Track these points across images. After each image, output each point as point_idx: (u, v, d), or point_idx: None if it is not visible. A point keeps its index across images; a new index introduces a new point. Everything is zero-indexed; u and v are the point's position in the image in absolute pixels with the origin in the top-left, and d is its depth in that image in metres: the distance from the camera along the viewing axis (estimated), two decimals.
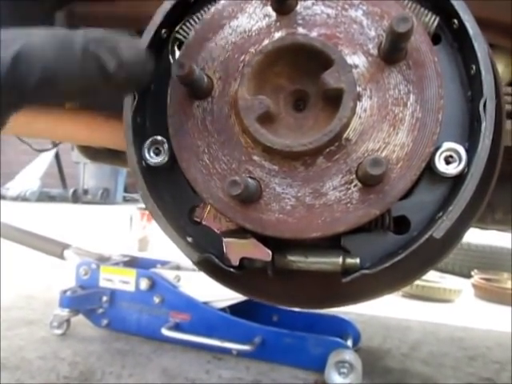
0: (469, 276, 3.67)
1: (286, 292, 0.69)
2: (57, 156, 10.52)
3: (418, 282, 3.16)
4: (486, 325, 2.51)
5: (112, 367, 1.57)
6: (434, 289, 3.18)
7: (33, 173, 10.50)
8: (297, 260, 0.60)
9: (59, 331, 1.82)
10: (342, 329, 1.84)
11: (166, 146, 0.63)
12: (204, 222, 0.62)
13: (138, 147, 0.63)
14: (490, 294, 3.34)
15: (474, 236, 3.71)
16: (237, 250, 0.60)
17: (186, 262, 1.95)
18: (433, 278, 3.34)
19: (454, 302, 3.18)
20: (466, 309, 3.01)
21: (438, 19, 0.58)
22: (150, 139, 0.64)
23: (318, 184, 0.54)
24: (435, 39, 0.59)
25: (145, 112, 0.66)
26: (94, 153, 1.70)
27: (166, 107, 0.61)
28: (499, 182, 0.80)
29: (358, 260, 0.58)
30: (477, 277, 3.55)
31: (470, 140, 0.57)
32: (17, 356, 1.60)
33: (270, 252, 0.59)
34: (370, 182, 0.52)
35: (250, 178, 0.55)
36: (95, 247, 2.33)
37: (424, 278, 3.33)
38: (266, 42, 0.56)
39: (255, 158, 0.56)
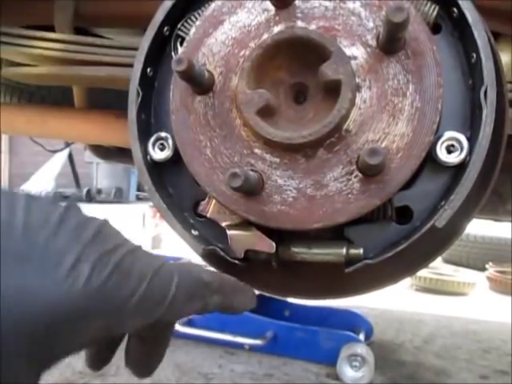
0: (483, 269, 3.64)
1: (291, 283, 0.70)
2: (70, 157, 10.62)
3: (431, 276, 3.15)
4: (500, 317, 2.49)
5: None
6: (448, 282, 3.16)
7: (47, 174, 10.64)
8: (300, 251, 0.61)
9: None
10: (354, 323, 1.84)
11: (170, 141, 0.64)
12: (209, 216, 0.63)
13: (143, 143, 0.64)
14: (505, 286, 3.31)
15: (488, 229, 3.67)
16: (241, 242, 0.61)
17: (198, 258, 1.96)
18: (447, 271, 3.32)
19: (468, 295, 3.15)
20: (480, 302, 2.99)
21: (437, 8, 0.58)
22: (155, 135, 0.65)
23: (319, 175, 0.55)
24: (436, 29, 0.59)
25: (149, 109, 0.67)
26: (105, 152, 1.72)
27: (170, 103, 0.62)
28: (508, 173, 0.79)
29: (361, 250, 0.58)
30: (491, 269, 3.52)
31: (472, 129, 0.57)
32: None
33: (273, 244, 0.59)
34: (369, 172, 0.53)
35: (252, 170, 0.56)
36: None
37: (438, 271, 3.31)
38: (266, 36, 0.57)
39: (256, 150, 0.57)
